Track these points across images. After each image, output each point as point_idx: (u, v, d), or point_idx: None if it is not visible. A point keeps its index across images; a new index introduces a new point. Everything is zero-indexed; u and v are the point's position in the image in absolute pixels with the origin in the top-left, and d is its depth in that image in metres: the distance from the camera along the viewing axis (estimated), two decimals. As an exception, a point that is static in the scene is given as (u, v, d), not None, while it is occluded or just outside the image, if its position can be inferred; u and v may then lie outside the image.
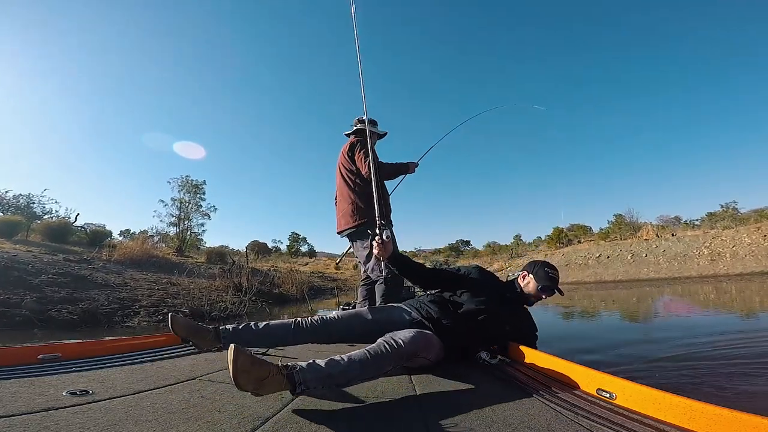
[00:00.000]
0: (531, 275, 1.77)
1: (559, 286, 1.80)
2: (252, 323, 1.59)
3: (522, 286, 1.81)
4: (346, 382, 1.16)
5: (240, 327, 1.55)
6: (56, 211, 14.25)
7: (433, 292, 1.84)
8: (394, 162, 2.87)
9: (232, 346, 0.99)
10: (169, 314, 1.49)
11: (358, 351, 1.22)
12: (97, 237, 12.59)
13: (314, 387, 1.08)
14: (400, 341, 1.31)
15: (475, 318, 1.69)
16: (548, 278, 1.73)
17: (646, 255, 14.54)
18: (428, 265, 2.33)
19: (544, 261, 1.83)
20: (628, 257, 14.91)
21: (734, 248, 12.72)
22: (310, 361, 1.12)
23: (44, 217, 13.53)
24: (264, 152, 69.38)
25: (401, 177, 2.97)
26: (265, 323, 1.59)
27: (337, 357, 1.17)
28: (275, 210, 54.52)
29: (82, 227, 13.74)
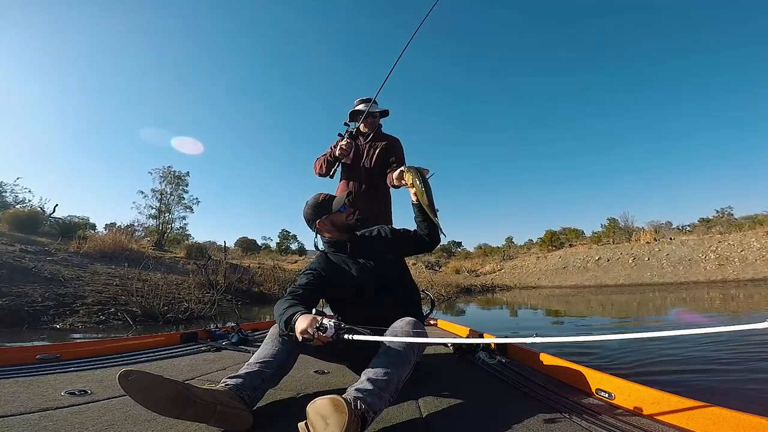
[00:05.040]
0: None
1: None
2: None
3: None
4: (396, 390, 1.12)
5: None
6: (29, 201, 14.10)
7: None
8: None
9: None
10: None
11: (385, 355, 1.14)
12: (69, 228, 12.36)
13: (380, 409, 1.04)
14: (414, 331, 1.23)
15: (367, 293, 1.56)
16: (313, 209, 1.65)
17: (649, 259, 14.79)
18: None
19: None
20: (630, 261, 15.15)
21: (743, 252, 12.97)
22: (359, 387, 1.04)
23: (16, 206, 13.28)
24: (264, 151, 69.25)
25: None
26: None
27: (374, 370, 1.09)
28: (272, 209, 54.59)
29: (58, 219, 13.54)
